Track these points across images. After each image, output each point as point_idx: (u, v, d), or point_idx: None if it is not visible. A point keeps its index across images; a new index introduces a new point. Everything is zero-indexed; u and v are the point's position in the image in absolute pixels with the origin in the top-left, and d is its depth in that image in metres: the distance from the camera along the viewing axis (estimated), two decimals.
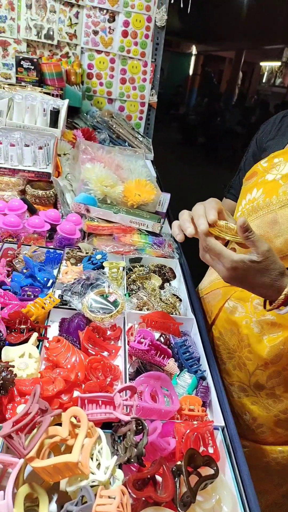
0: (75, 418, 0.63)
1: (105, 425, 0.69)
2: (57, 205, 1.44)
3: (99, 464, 0.62)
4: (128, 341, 0.89)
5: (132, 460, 0.59)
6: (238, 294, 1.04)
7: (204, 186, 3.53)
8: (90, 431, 0.61)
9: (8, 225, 1.22)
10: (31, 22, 2.16)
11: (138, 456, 0.59)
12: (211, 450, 0.70)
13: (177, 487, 0.60)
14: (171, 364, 0.85)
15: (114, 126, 2.23)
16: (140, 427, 0.61)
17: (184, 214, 0.79)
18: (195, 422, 0.71)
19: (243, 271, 0.73)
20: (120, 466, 0.62)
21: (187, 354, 0.88)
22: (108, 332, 0.92)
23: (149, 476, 0.59)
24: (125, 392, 0.70)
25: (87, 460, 0.58)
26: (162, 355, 0.84)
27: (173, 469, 0.61)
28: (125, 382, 0.80)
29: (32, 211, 1.36)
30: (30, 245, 1.20)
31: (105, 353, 0.91)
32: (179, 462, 0.62)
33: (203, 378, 0.85)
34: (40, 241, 1.27)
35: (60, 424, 0.64)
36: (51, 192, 1.41)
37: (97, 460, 0.62)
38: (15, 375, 0.68)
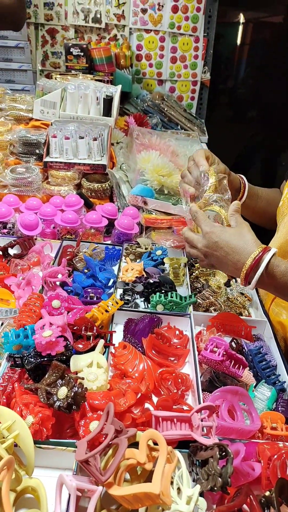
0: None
1: (181, 443, 0.64)
2: (113, 197, 1.40)
3: (178, 488, 0.57)
4: (198, 348, 0.83)
5: (216, 489, 0.54)
6: (278, 301, 0.96)
7: (263, 165, 3.33)
8: (169, 456, 0.57)
9: (66, 222, 1.20)
10: (78, 6, 2.10)
11: (222, 486, 0.54)
12: None
13: None
14: (246, 374, 0.78)
15: (165, 109, 2.13)
16: (224, 453, 0.56)
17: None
18: (280, 444, 0.64)
19: (220, 235, 0.76)
20: (201, 493, 0.57)
21: (264, 363, 0.81)
22: (174, 340, 0.87)
23: (236, 509, 0.54)
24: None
25: (168, 489, 0.54)
26: (237, 365, 0.77)
27: (262, 501, 0.55)
28: (197, 392, 0.74)
29: (88, 205, 1.32)
30: (88, 242, 1.17)
31: (172, 358, 0.86)
32: (267, 493, 0.56)
33: (282, 390, 0.77)
34: (98, 236, 1.24)
35: (134, 444, 0.60)
36: (107, 185, 1.36)
37: (177, 484, 0.57)
38: (86, 389, 0.65)
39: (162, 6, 2.11)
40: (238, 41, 3.18)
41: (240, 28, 3.13)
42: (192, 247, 0.83)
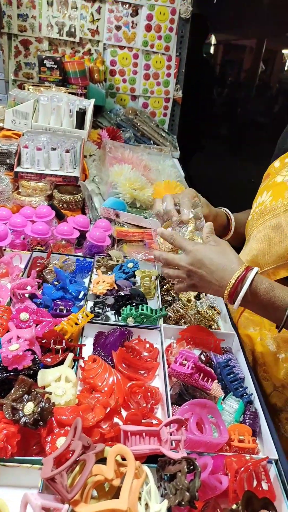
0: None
1: (149, 457, 0.64)
2: (85, 209, 1.40)
3: (146, 504, 0.57)
4: (168, 361, 0.83)
5: (184, 503, 0.54)
6: (246, 314, 0.98)
7: (232, 181, 3.43)
8: (137, 471, 0.56)
9: (36, 233, 1.18)
10: (52, 19, 2.12)
11: (190, 500, 0.54)
12: (265, 487, 0.64)
13: None
14: (214, 387, 0.79)
15: (138, 124, 2.17)
16: (191, 467, 0.56)
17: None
18: (247, 456, 0.65)
19: (204, 252, 0.76)
20: (169, 508, 0.57)
21: (232, 375, 0.82)
22: (144, 353, 0.87)
23: None
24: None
25: (136, 505, 0.53)
26: (206, 378, 0.78)
27: None
28: (166, 405, 0.74)
29: (60, 217, 1.31)
30: (59, 253, 1.16)
31: (141, 371, 0.86)
32: (234, 506, 0.56)
33: (250, 402, 0.79)
34: (69, 248, 1.23)
35: (102, 459, 0.60)
36: (79, 197, 1.36)
37: (144, 500, 0.57)
38: (53, 404, 0.64)
39: (136, 25, 2.17)
40: (210, 61, 3.29)
41: (212, 48, 3.25)
42: (171, 268, 0.82)
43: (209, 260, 0.75)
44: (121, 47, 2.22)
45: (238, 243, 1.13)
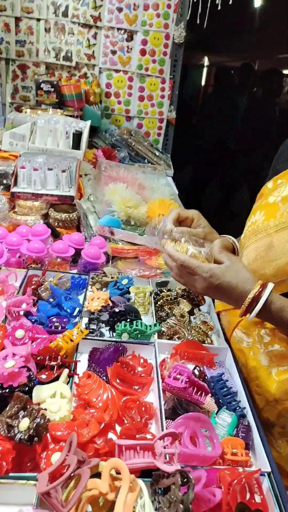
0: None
1: (144, 472, 0.64)
2: (80, 227, 1.42)
3: None
4: (162, 376, 0.84)
5: None
6: (244, 323, 1.00)
7: (225, 199, 3.49)
8: (132, 485, 0.57)
9: (32, 251, 1.20)
10: (49, 45, 2.19)
11: None
12: (258, 499, 0.65)
13: None
14: (208, 401, 0.80)
15: (133, 144, 2.22)
16: (185, 479, 0.57)
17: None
18: (240, 469, 0.66)
19: (222, 277, 0.81)
20: None
21: (225, 389, 0.83)
22: (139, 369, 0.88)
23: None
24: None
25: None
26: (199, 392, 0.79)
27: None
28: (160, 420, 0.75)
29: (55, 235, 1.34)
30: (54, 271, 1.18)
31: (136, 387, 0.87)
32: None
33: (243, 416, 0.80)
34: (64, 266, 1.25)
35: (97, 474, 0.60)
36: (74, 215, 1.39)
37: None
38: (48, 420, 0.65)
39: (131, 49, 2.24)
40: (202, 83, 3.40)
41: (204, 71, 3.36)
42: (188, 275, 0.85)
43: (226, 283, 0.81)
44: (117, 71, 2.29)
45: None
